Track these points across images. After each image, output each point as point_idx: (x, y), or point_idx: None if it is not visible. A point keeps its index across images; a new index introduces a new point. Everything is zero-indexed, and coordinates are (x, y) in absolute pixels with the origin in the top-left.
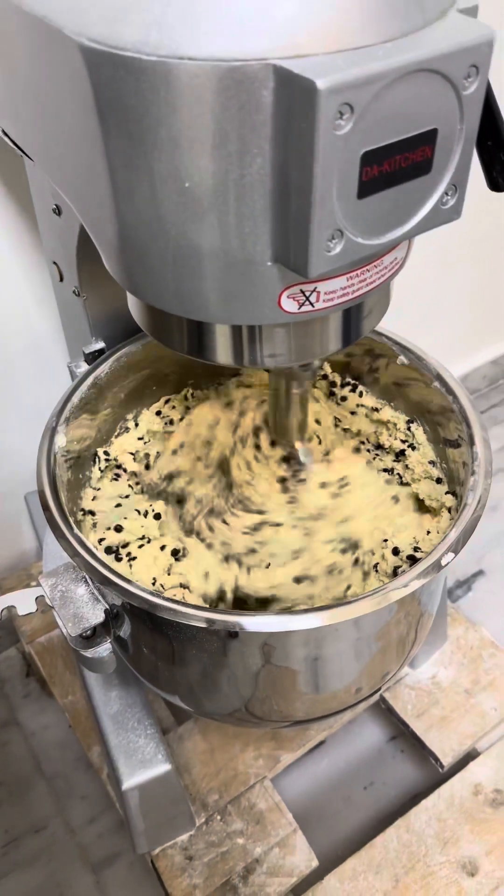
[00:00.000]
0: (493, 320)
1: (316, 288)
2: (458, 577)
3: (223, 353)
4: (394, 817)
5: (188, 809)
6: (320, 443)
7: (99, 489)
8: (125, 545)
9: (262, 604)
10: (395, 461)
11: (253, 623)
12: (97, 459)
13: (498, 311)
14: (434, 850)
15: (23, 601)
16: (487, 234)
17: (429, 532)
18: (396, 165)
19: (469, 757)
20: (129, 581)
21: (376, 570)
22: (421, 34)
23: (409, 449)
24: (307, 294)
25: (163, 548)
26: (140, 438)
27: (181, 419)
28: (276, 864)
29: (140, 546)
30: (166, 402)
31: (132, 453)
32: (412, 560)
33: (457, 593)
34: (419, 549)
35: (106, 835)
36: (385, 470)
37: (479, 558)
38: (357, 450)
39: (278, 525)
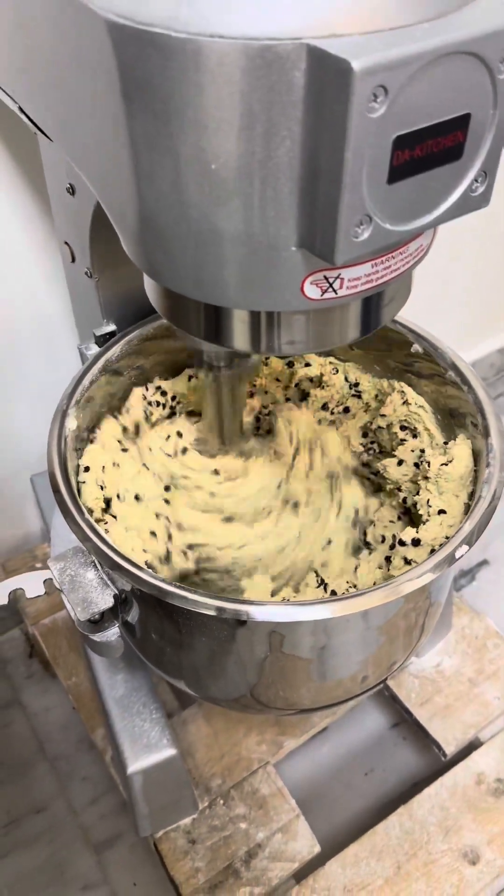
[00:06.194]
0: (501, 308)
1: (340, 274)
2: (463, 567)
3: (240, 339)
4: (394, 804)
5: (192, 793)
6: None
7: None
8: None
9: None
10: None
11: (261, 612)
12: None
13: None
14: (436, 838)
15: (31, 584)
16: (495, 220)
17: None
18: (428, 150)
19: (472, 746)
20: (139, 567)
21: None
22: (458, 15)
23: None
24: (331, 281)
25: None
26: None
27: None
28: (278, 849)
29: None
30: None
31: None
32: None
33: (461, 582)
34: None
35: (108, 816)
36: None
37: (483, 547)
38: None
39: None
